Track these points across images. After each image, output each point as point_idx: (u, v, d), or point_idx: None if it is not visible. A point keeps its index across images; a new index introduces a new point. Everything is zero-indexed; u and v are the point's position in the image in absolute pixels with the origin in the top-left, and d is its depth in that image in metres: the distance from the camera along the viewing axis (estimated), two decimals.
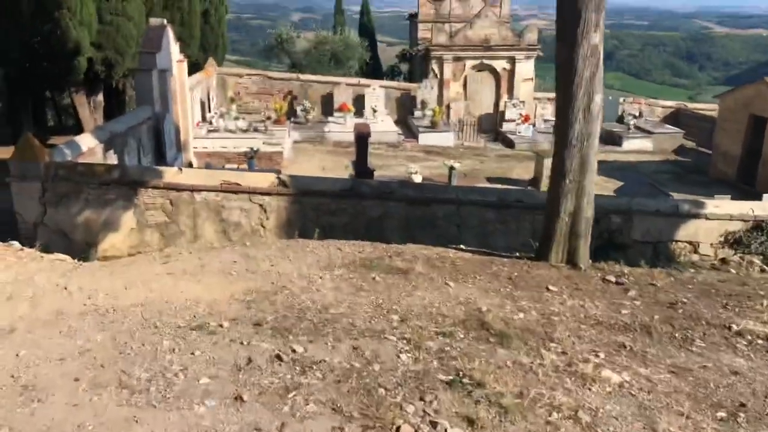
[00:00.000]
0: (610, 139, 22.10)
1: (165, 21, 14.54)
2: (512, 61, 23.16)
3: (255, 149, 14.90)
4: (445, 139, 21.09)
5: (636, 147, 21.64)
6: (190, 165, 14.45)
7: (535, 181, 16.87)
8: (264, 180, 8.92)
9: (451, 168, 14.71)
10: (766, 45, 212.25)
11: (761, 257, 9.51)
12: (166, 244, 8.48)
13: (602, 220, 9.31)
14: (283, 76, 23.43)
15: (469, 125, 22.50)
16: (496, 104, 23.72)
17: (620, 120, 23.68)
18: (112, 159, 10.13)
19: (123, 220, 8.63)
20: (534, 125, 22.57)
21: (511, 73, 23.30)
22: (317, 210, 8.98)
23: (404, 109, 23.39)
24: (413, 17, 27.57)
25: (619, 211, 9.28)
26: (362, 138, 14.25)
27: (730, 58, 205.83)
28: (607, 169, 19.00)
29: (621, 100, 24.13)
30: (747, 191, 16.73)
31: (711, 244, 9.50)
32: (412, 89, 23.26)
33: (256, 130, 18.75)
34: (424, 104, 22.61)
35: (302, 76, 23.25)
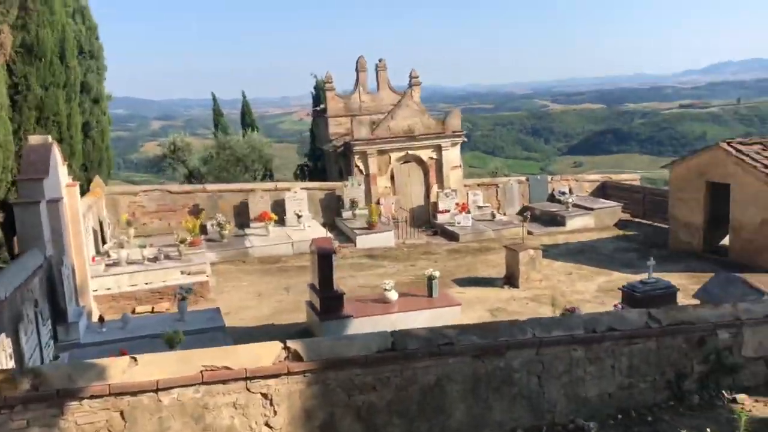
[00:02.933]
0: (553, 219, 20.97)
1: (49, 138, 11.25)
2: (438, 149, 21.69)
3: (188, 287, 11.57)
4: (385, 239, 18.76)
5: (579, 225, 20.61)
6: (101, 320, 10.81)
7: (511, 278, 14.83)
8: (266, 354, 5.93)
9: (431, 278, 12.26)
10: (596, 116, 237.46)
11: None
12: None
13: (709, 338, 7.22)
14: (186, 189, 20.19)
15: (403, 221, 20.40)
16: (427, 195, 21.96)
17: (551, 199, 22.78)
18: (2, 350, 6.59)
19: None
20: (469, 213, 20.93)
21: (439, 161, 21.77)
22: (348, 387, 6.08)
23: (330, 211, 20.90)
24: (320, 113, 25.66)
25: (726, 323, 7.21)
26: (325, 256, 11.51)
27: (569, 130, 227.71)
28: (566, 252, 17.60)
29: (549, 178, 23.34)
30: (721, 261, 15.81)
31: None
32: (338, 188, 20.92)
33: (167, 257, 15.31)
34: (353, 203, 20.29)
35: (209, 187, 20.16)
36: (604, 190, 23.27)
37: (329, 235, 18.52)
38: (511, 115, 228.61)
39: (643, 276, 14.95)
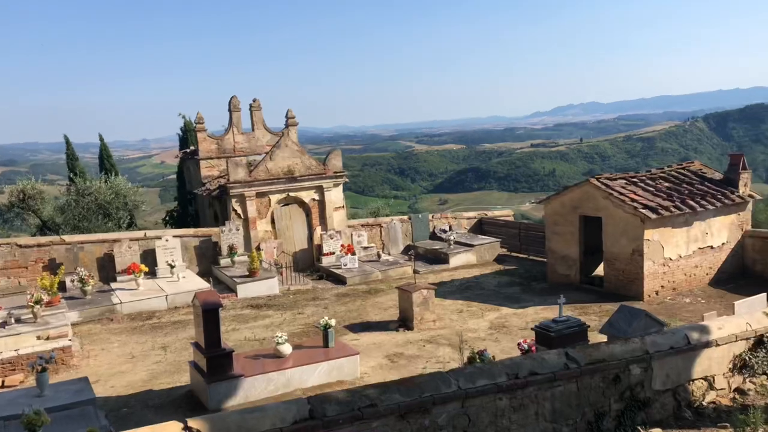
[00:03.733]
0: (437, 257, 21.09)
1: None
2: (320, 190, 21.17)
3: (47, 355, 9.93)
4: (269, 287, 17.75)
5: (462, 262, 20.89)
6: None
7: (405, 321, 14.47)
8: None
9: (326, 326, 11.54)
10: (457, 156, 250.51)
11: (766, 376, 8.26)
12: None
13: (623, 375, 7.20)
14: (39, 242, 17.93)
15: (286, 266, 19.53)
16: (310, 238, 21.27)
17: (433, 236, 23.01)
18: None
19: None
20: (354, 254, 20.51)
21: (321, 202, 21.24)
22: None
23: (206, 259, 19.53)
24: (190, 155, 24.25)
25: (636, 358, 7.24)
26: (211, 311, 10.45)
27: (433, 169, 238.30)
28: (454, 290, 17.66)
29: (430, 216, 23.58)
30: (598, 292, 16.57)
31: (723, 374, 7.95)
32: (214, 234, 19.64)
33: (19, 321, 13.35)
34: (231, 250, 19.11)
35: (68, 238, 18.06)
36: (481, 227, 23.91)
37: (208, 285, 17.24)
38: (378, 156, 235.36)
39: (527, 309, 15.39)
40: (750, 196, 17.00)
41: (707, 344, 7.68)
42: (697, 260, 16.27)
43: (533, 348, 8.95)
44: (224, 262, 19.12)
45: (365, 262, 20.45)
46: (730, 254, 16.84)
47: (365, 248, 21.46)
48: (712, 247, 16.49)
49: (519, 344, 9.58)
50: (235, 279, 17.74)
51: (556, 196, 17.81)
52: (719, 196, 16.37)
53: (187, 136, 28.88)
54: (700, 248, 16.27)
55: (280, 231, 20.80)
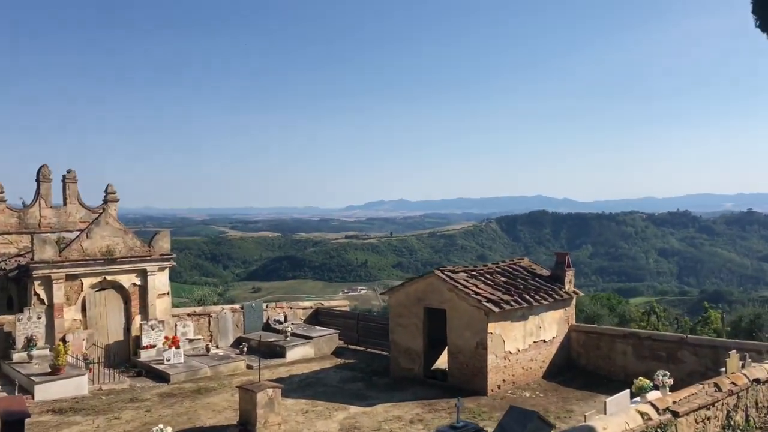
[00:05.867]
0: (272, 350, 19.63)
1: None
2: (143, 274, 18.87)
3: None
4: (76, 386, 14.99)
5: (300, 355, 19.69)
6: None
7: (246, 425, 12.81)
8: None
9: None
10: (272, 244, 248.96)
11: None
12: None
13: None
14: None
15: (98, 361, 16.76)
16: (128, 328, 18.65)
17: (267, 327, 21.56)
18: None
19: None
20: (179, 347, 18.34)
21: (143, 288, 18.88)
22: None
23: None
24: None
25: None
26: (15, 422, 8.21)
27: (247, 256, 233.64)
28: (295, 387, 16.34)
29: (264, 306, 22.15)
30: (442, 386, 16.35)
31: None
32: (6, 323, 16.35)
33: None
34: (30, 342, 15.98)
35: None
36: (317, 317, 22.96)
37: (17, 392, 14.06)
38: (188, 240, 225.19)
39: (376, 408, 14.59)
40: (575, 292, 18.31)
41: None
42: (532, 354, 16.86)
43: None
44: (18, 356, 15.91)
45: (192, 357, 18.34)
46: (559, 348, 17.75)
47: (192, 340, 19.35)
48: (545, 341, 17.26)
49: None
50: (32, 377, 14.71)
51: (401, 287, 17.66)
52: (550, 292, 17.38)
53: None
54: (535, 342, 16.93)
55: (92, 320, 17.98)
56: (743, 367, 12.38)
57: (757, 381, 11.35)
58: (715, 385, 10.34)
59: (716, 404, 10.02)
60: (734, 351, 13.07)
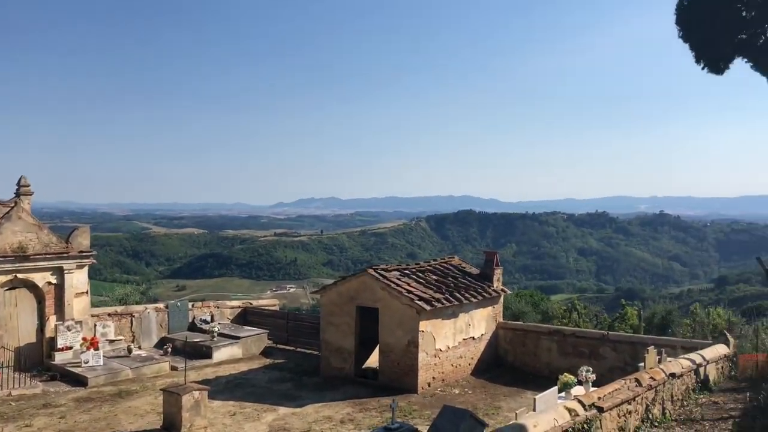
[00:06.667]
0: (198, 351, 19.04)
1: None
2: (60, 272, 17.82)
3: None
4: None
5: (227, 356, 19.17)
6: None
7: (170, 429, 12.34)
8: None
9: None
10: (198, 241, 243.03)
11: None
12: None
13: None
14: None
15: (6, 365, 15.71)
16: (41, 329, 17.58)
17: (193, 327, 20.89)
18: None
19: None
20: (98, 349, 17.48)
21: (60, 287, 17.82)
22: None
23: None
24: None
25: None
26: None
27: (171, 253, 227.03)
28: (222, 389, 15.91)
29: (190, 305, 21.43)
30: (373, 385, 16.31)
31: None
32: None
33: None
34: None
35: None
36: (245, 317, 22.43)
37: None
38: (109, 236, 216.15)
39: (306, 408, 14.38)
40: (503, 290, 18.70)
41: None
42: (462, 351, 17.09)
43: None
44: None
45: (112, 359, 17.52)
46: (487, 345, 18.08)
47: (112, 341, 18.49)
48: (473, 338, 17.54)
49: None
50: None
51: (333, 286, 17.48)
52: (479, 290, 17.67)
53: None
54: (464, 339, 17.17)
55: (2, 321, 16.82)
56: (660, 362, 12.98)
57: (672, 375, 11.91)
58: (636, 380, 10.77)
59: (637, 398, 10.44)
60: (652, 347, 13.69)
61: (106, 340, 18.38)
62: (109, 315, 19.26)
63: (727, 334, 15.85)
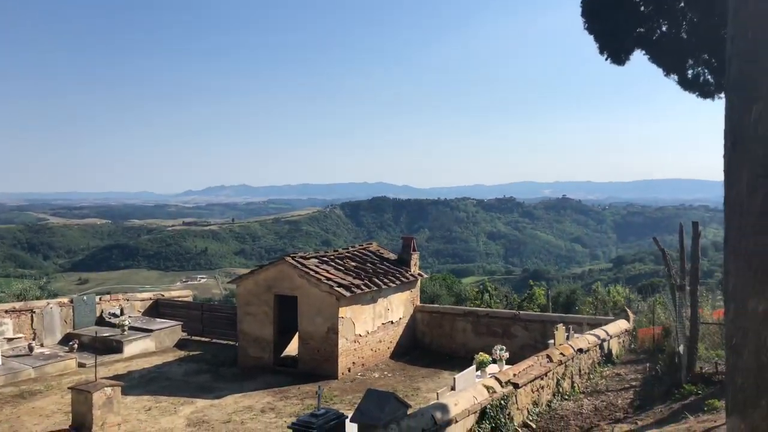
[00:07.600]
0: (108, 346, 18.21)
1: None
2: None
3: None
4: None
5: (139, 350, 18.45)
6: None
7: (81, 429, 11.75)
8: None
9: None
10: (101, 231, 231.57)
11: None
12: None
13: None
14: None
15: None
16: None
17: (101, 322, 19.93)
18: None
19: None
20: None
21: None
22: None
23: None
24: None
25: None
26: None
27: (72, 245, 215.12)
28: (135, 384, 15.33)
29: (98, 299, 20.39)
30: (293, 373, 16.24)
31: None
32: None
33: None
34: None
35: None
36: (158, 309, 21.64)
37: None
38: (1, 228, 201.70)
39: (226, 399, 14.14)
40: (420, 274, 19.05)
41: (449, 422, 7.87)
42: (381, 335, 17.32)
43: None
44: None
45: (12, 358, 16.41)
46: (405, 328, 18.41)
47: (11, 340, 17.33)
48: (392, 322, 17.81)
49: None
50: None
51: (250, 275, 17.18)
52: (397, 275, 17.93)
53: None
54: (383, 324, 17.40)
55: None
56: (568, 338, 13.72)
57: (580, 350, 12.63)
58: (547, 356, 11.33)
59: (548, 374, 11.00)
60: (560, 324, 14.44)
61: (4, 338, 17.21)
62: (6, 312, 18.01)
63: (628, 310, 16.97)
